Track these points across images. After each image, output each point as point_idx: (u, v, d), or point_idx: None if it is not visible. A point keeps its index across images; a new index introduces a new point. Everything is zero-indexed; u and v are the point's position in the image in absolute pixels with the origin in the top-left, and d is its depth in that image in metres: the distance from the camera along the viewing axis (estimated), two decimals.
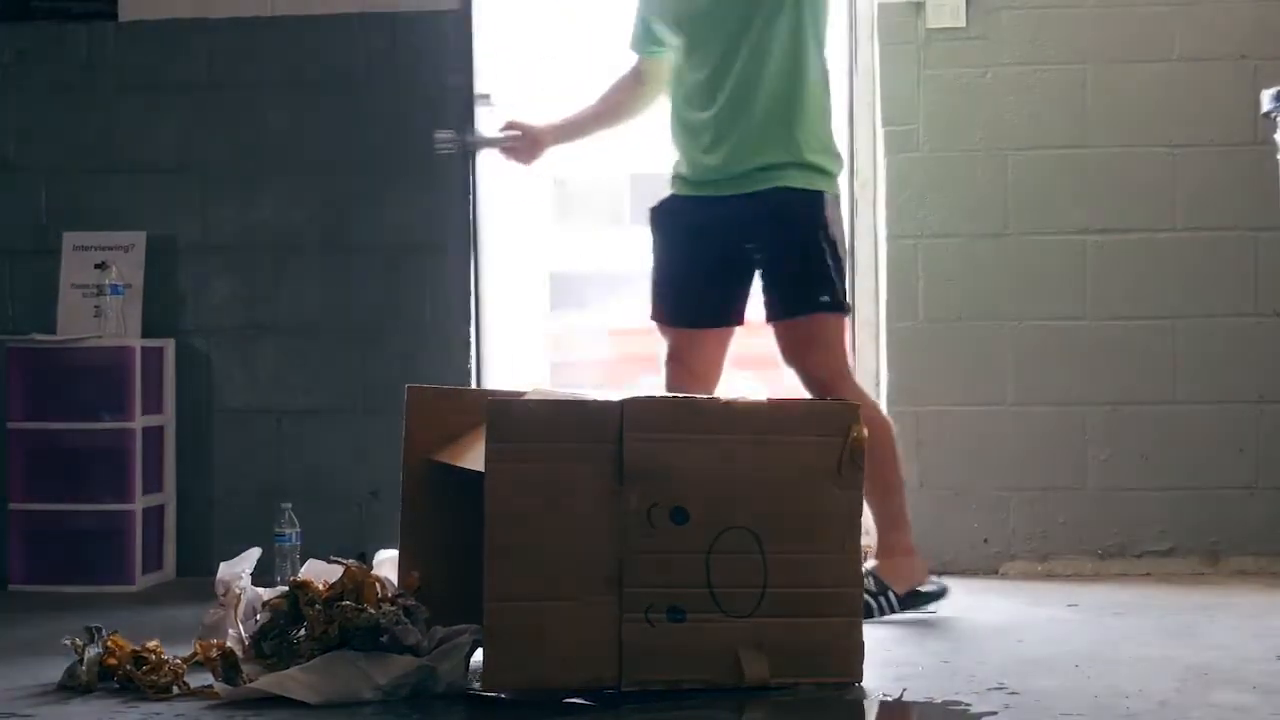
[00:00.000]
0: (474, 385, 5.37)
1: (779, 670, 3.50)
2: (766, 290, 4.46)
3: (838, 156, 4.49)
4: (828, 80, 4.47)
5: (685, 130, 4.47)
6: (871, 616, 4.22)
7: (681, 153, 4.50)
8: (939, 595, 4.48)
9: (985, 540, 5.29)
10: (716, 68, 4.40)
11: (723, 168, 4.41)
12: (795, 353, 4.42)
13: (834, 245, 4.41)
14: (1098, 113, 5.30)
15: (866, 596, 4.23)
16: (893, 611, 4.38)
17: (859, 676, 3.55)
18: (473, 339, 5.42)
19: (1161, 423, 5.26)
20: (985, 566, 5.26)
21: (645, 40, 4.61)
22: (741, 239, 4.42)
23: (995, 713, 3.34)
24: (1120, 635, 4.20)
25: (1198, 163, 5.26)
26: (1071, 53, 5.31)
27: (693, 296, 4.49)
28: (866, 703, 3.50)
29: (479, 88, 5.37)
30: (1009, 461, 5.29)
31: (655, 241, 4.57)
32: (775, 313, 4.42)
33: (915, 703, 3.50)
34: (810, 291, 4.39)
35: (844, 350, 4.51)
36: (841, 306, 4.44)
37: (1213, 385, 5.25)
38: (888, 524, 4.48)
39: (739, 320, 4.52)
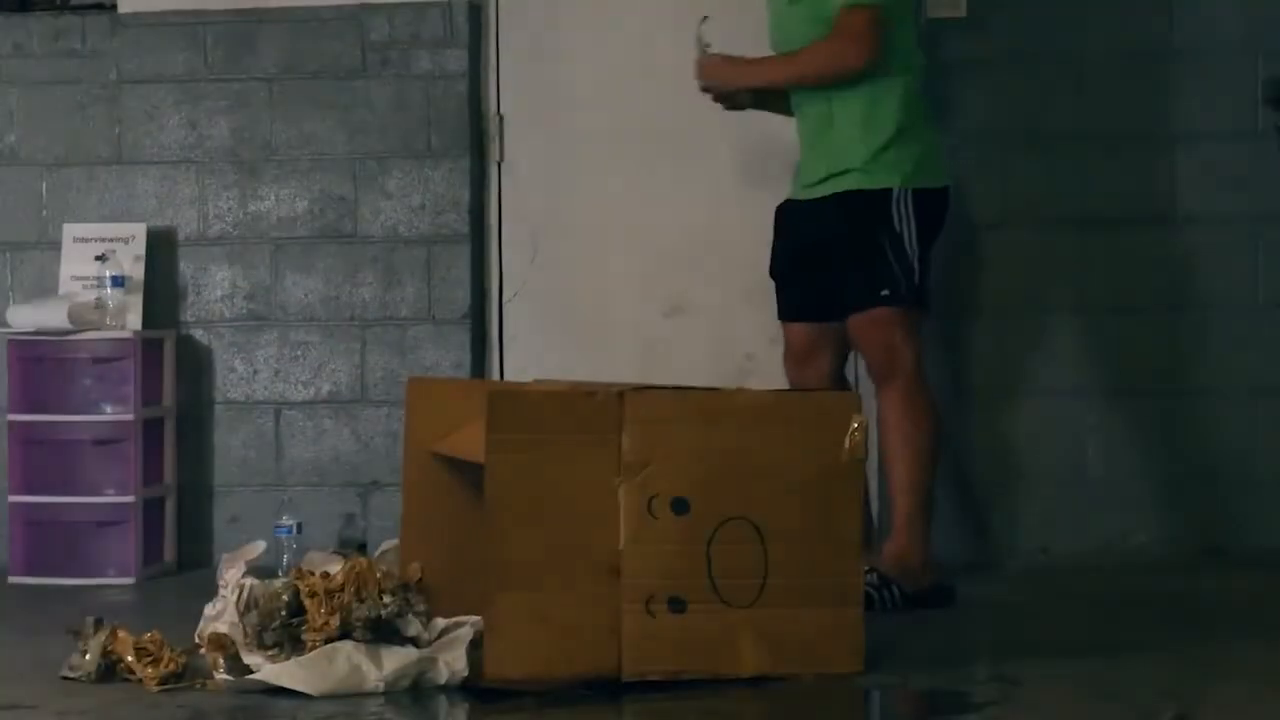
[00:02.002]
0: (475, 376, 5.37)
1: (780, 661, 3.50)
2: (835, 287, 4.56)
3: (906, 148, 4.48)
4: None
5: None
6: (873, 609, 4.22)
7: None
8: (947, 597, 4.47)
9: (986, 530, 5.28)
10: None
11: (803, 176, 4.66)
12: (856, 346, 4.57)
13: (899, 240, 4.44)
14: (1097, 102, 5.29)
15: (869, 589, 4.23)
16: (895, 607, 4.37)
17: (860, 667, 3.54)
18: (473, 329, 5.42)
19: (1162, 413, 5.25)
20: (985, 556, 5.26)
21: None
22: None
23: (996, 703, 3.34)
24: (1122, 625, 4.20)
25: (1197, 152, 5.25)
26: (1071, 42, 5.30)
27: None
28: (867, 693, 3.50)
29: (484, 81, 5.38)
30: (1010, 451, 5.28)
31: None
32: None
33: (915, 693, 3.50)
34: (869, 286, 4.47)
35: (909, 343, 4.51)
36: (901, 299, 4.45)
37: (1213, 376, 5.25)
38: (905, 522, 4.45)
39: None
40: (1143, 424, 5.27)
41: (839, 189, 4.50)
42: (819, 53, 4.49)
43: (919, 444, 4.45)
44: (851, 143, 4.49)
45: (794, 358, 4.67)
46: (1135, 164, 5.29)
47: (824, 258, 4.56)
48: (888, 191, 4.45)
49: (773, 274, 4.72)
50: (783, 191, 4.73)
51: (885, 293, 4.45)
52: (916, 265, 4.45)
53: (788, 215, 4.68)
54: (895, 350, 4.47)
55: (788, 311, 4.69)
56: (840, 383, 4.70)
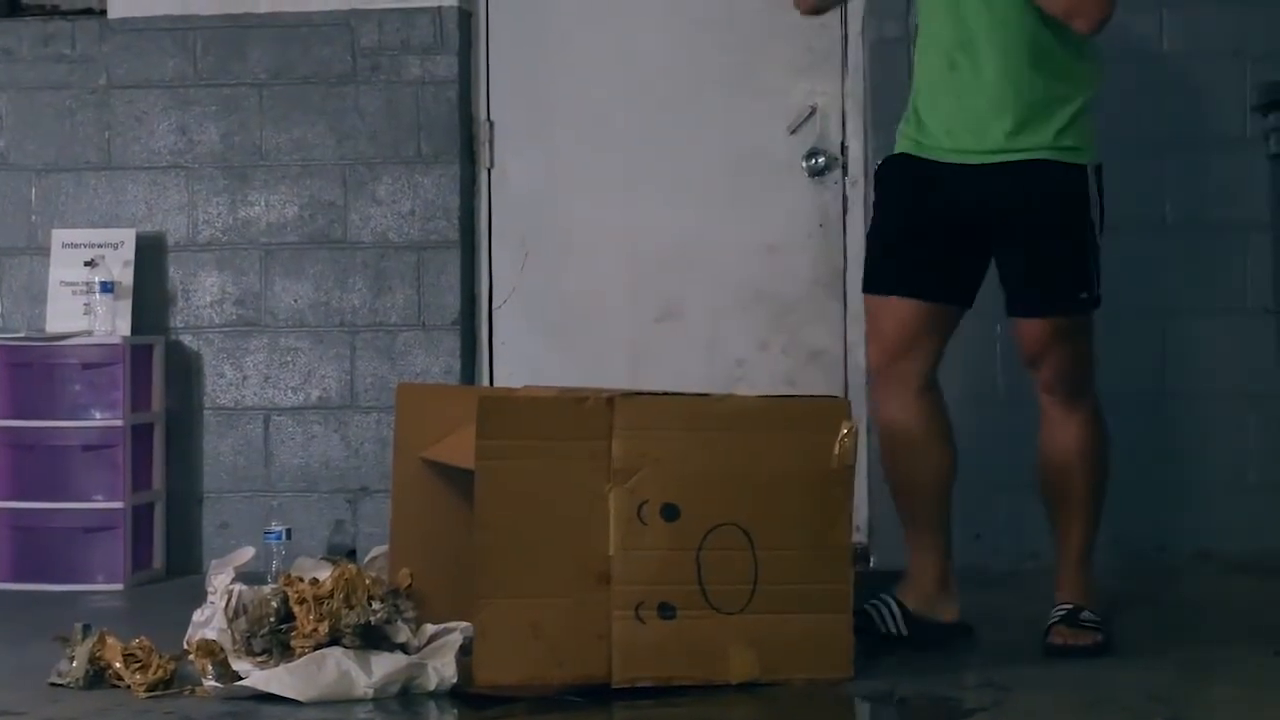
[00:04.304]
0: (465, 382, 5.37)
1: (769, 667, 3.50)
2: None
3: (1093, 119, 3.99)
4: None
5: None
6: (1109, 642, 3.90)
7: None
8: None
9: (977, 536, 5.28)
10: None
11: None
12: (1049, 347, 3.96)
13: (1094, 228, 4.01)
14: None
15: (1103, 631, 3.91)
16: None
17: (849, 673, 3.54)
18: (463, 336, 5.42)
19: (1152, 418, 5.26)
20: (976, 562, 5.25)
21: None
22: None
23: (985, 709, 3.34)
24: (1112, 630, 4.19)
25: (1189, 158, 5.26)
26: None
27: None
28: (857, 699, 3.50)
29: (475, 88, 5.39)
30: (1000, 456, 5.28)
31: None
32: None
33: (905, 699, 3.50)
34: (1072, 284, 3.97)
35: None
36: (1098, 302, 4.02)
37: (1203, 381, 5.25)
38: (1089, 554, 4.06)
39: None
40: (1132, 429, 5.26)
41: (1031, 157, 3.86)
42: None
43: (1107, 472, 4.03)
44: (1048, 104, 3.89)
45: (888, 345, 3.93)
46: (1124, 170, 5.28)
47: (989, 234, 3.91)
48: (1083, 169, 3.90)
49: (878, 237, 3.97)
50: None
51: (1084, 295, 3.92)
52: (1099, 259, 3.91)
53: (922, 175, 3.92)
54: (1089, 363, 3.97)
55: (899, 284, 3.90)
56: (934, 382, 4.02)
